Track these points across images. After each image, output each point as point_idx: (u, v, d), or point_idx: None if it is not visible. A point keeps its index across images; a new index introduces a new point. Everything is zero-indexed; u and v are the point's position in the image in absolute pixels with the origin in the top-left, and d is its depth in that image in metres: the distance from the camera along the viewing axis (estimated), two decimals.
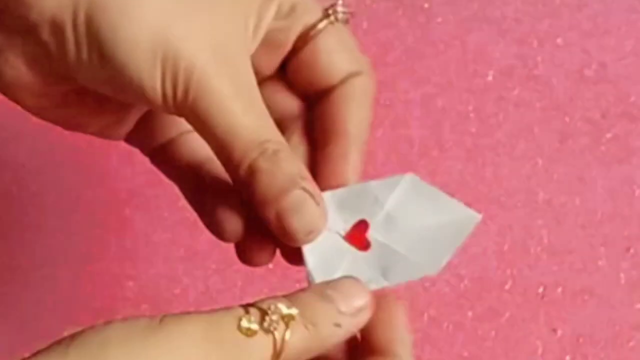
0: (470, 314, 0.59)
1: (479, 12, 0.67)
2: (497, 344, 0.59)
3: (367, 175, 0.43)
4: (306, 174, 0.40)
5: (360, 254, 0.41)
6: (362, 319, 0.38)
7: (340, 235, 0.41)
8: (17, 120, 0.64)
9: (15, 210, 0.62)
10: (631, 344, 0.58)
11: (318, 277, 0.40)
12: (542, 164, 0.63)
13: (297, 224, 0.39)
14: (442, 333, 0.59)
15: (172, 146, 0.45)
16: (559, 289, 0.60)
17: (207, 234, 0.54)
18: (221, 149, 0.39)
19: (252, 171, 0.39)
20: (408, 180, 0.42)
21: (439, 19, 0.67)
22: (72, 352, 0.35)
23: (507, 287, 0.60)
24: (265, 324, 0.37)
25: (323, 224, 0.40)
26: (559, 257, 0.61)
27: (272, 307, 0.37)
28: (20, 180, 0.63)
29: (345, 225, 0.41)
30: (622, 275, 0.60)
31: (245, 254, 0.42)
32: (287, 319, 0.37)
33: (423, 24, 0.66)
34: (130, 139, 0.46)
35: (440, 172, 0.63)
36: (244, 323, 0.37)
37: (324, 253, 0.40)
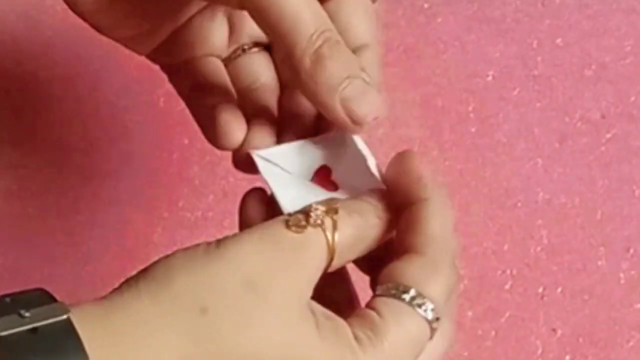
0: (470, 313, 0.59)
1: (478, 12, 0.67)
2: (497, 343, 0.59)
3: None
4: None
5: (333, 193, 0.44)
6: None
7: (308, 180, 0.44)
8: (20, 122, 0.64)
9: (16, 210, 0.62)
10: (631, 343, 0.58)
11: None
12: (542, 164, 0.63)
13: (364, 108, 0.41)
14: None
15: (194, 64, 0.47)
16: (559, 289, 0.60)
17: (207, 234, 0.54)
18: (286, 38, 0.40)
19: (318, 58, 0.40)
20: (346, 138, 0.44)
21: (439, 19, 0.67)
22: (141, 284, 0.37)
23: (507, 287, 0.60)
24: (312, 220, 0.39)
25: (385, 111, 0.42)
26: (558, 257, 0.61)
27: (313, 207, 0.39)
28: (20, 180, 0.63)
29: (309, 172, 0.44)
30: (621, 275, 0.60)
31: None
32: (331, 213, 0.39)
33: (423, 24, 0.67)
34: (153, 54, 0.48)
35: (441, 172, 0.63)
36: (292, 222, 0.39)
37: (297, 193, 0.43)
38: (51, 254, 0.61)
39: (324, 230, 0.39)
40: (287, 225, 0.39)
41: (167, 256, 0.38)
